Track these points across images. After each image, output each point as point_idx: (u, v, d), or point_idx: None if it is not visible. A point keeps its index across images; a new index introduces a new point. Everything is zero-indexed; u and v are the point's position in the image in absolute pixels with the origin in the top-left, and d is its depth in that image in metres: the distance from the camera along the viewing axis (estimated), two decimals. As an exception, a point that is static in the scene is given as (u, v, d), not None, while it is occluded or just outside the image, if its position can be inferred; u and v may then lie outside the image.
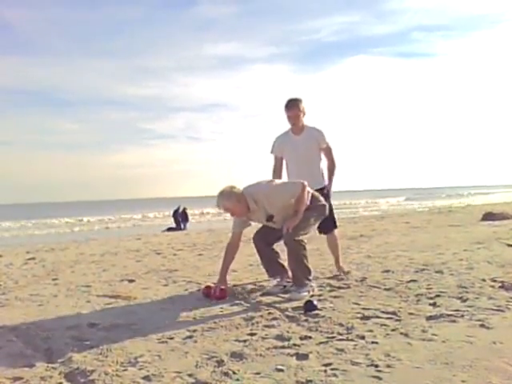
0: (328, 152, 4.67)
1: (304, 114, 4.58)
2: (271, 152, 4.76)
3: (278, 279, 4.20)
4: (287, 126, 4.65)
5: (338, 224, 4.78)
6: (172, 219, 21.92)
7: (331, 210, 4.51)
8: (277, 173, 4.74)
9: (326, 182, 4.66)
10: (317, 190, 4.31)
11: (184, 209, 21.56)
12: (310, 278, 4.02)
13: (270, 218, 4.06)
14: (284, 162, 4.73)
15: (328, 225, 4.56)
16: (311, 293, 3.94)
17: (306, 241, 4.05)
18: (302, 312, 3.35)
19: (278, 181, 4.31)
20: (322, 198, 4.26)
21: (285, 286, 4.09)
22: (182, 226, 20.80)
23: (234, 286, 4.46)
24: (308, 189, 4.06)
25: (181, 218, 21.43)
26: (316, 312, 3.31)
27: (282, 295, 3.98)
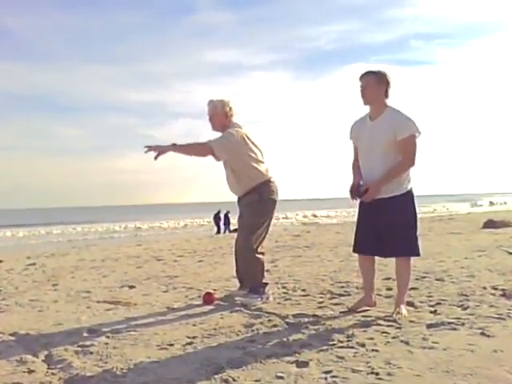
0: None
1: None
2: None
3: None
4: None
5: (420, 248, 3.39)
6: (213, 222, 22.33)
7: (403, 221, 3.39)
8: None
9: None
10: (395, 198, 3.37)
11: (227, 212, 21.85)
12: (264, 288, 4.05)
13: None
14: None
15: (392, 245, 3.38)
16: (264, 299, 3.97)
17: (257, 245, 4.03)
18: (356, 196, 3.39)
19: (237, 139, 3.94)
20: (276, 191, 4.11)
21: (248, 292, 4.08)
22: (223, 230, 21.04)
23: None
24: (266, 176, 4.01)
25: (224, 221, 21.80)
26: (317, 320, 3.30)
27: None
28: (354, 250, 3.64)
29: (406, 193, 3.38)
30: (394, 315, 3.25)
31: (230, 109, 4.09)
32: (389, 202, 3.34)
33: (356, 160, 3.61)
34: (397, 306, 3.35)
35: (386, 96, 3.40)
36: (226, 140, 3.94)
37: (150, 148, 3.76)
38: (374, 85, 3.36)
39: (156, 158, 3.78)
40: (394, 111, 3.38)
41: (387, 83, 3.38)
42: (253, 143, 4.06)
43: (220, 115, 4.08)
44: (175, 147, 3.86)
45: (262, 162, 4.10)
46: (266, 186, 4.06)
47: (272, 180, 4.13)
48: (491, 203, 52.93)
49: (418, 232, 3.40)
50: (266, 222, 4.10)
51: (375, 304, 3.58)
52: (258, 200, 4.04)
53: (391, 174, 3.31)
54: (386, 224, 3.35)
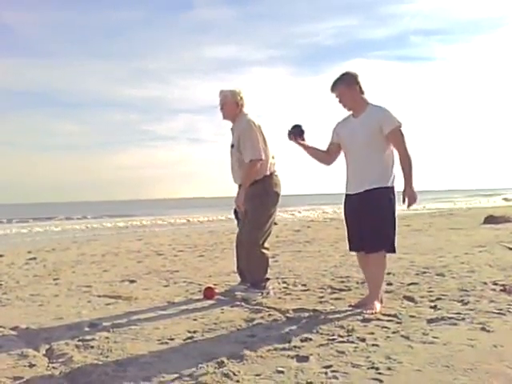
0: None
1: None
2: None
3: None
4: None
5: (396, 246, 3.41)
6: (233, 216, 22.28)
7: (382, 219, 3.36)
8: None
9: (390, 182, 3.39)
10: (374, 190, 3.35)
11: None
12: (265, 279, 4.08)
13: (232, 146, 4.17)
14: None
15: (370, 239, 3.36)
16: (264, 294, 3.99)
17: (263, 240, 4.04)
18: (289, 133, 3.63)
19: (257, 132, 4.03)
20: (279, 184, 4.15)
21: (248, 287, 4.13)
22: None
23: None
24: (273, 170, 4.09)
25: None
26: (317, 314, 3.30)
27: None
28: (350, 249, 3.64)
29: (389, 188, 3.37)
30: (364, 311, 3.24)
31: (241, 98, 4.15)
32: (371, 193, 3.35)
33: (324, 154, 3.67)
34: (370, 301, 3.34)
35: (362, 93, 3.46)
36: (254, 142, 3.99)
37: (237, 211, 4.15)
38: (347, 91, 3.43)
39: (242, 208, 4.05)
40: (377, 107, 3.43)
41: (357, 82, 3.44)
42: (264, 136, 4.10)
43: (231, 104, 4.14)
44: (243, 188, 4.03)
45: (270, 156, 4.13)
46: (270, 179, 4.09)
47: (276, 174, 4.16)
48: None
49: (395, 230, 3.39)
50: (271, 216, 4.10)
51: (381, 302, 3.46)
52: (262, 193, 4.04)
53: (407, 170, 3.32)
54: (367, 217, 3.35)
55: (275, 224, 4.46)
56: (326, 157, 3.68)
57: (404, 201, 3.35)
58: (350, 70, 3.49)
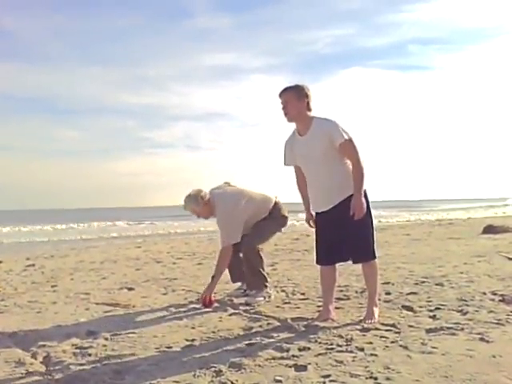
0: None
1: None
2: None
3: (240, 284, 4.48)
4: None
5: (376, 253, 3.43)
6: None
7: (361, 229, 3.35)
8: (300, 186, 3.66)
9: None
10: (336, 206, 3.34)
11: None
12: (267, 284, 4.23)
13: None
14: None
15: (358, 250, 3.38)
16: (267, 299, 4.15)
17: (261, 248, 4.24)
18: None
19: (242, 200, 4.16)
20: (286, 210, 4.38)
21: (245, 290, 4.35)
22: None
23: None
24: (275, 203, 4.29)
25: None
26: (316, 323, 3.30)
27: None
28: (320, 262, 3.55)
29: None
30: (364, 320, 3.27)
31: (202, 197, 4.16)
32: (346, 202, 3.27)
33: (300, 180, 3.60)
34: (368, 308, 3.38)
35: (309, 110, 3.36)
36: (229, 231, 4.14)
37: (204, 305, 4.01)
38: (295, 101, 3.31)
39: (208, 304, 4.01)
40: (323, 119, 3.34)
41: (307, 97, 3.35)
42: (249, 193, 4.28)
43: (199, 209, 4.18)
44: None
45: (262, 195, 4.34)
46: (274, 209, 4.33)
47: (277, 201, 4.37)
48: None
49: (374, 234, 3.42)
50: (275, 232, 4.46)
51: (334, 317, 3.38)
52: (279, 216, 4.35)
53: (358, 182, 3.24)
54: (351, 227, 3.27)
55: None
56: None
57: (351, 210, 3.23)
58: (305, 85, 3.40)
